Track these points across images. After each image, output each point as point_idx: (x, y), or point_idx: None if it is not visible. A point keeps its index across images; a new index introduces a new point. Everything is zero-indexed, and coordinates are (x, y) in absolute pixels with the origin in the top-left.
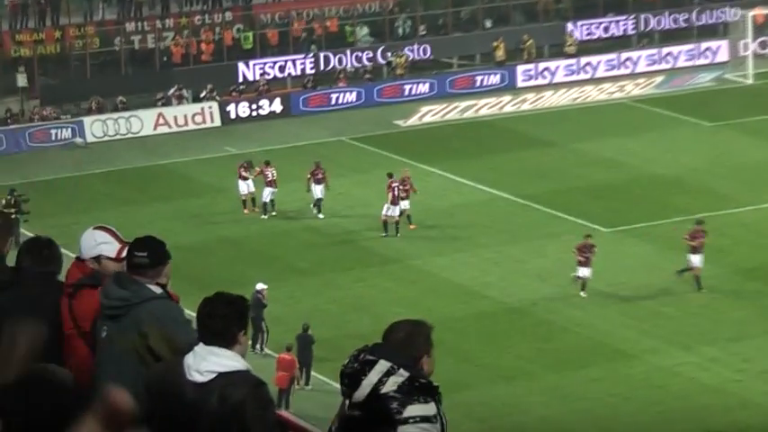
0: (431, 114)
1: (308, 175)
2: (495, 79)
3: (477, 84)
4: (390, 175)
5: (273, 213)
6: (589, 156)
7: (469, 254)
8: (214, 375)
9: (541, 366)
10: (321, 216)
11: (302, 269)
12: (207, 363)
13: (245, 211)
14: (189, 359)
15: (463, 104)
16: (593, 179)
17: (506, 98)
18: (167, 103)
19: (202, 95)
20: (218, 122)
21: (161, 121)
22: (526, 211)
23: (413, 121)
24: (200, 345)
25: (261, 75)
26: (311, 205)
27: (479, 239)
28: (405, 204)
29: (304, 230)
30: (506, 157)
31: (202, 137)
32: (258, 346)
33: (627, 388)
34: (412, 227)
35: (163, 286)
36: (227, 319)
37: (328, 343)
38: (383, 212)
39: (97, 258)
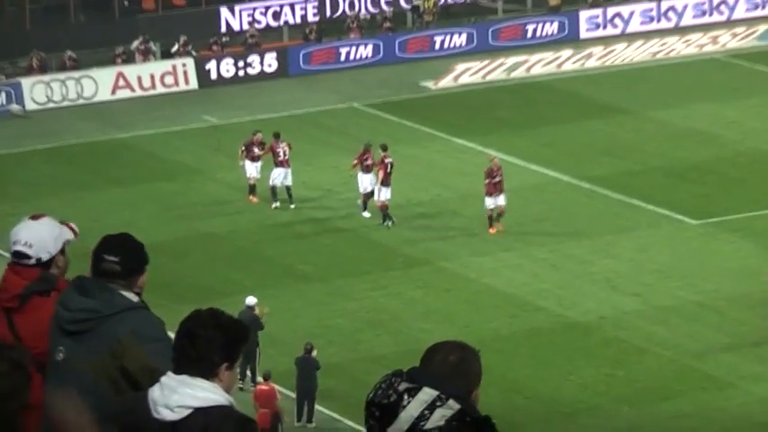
0: (468, 74)
1: (355, 161)
2: (551, 28)
3: (529, 34)
4: (384, 148)
5: (292, 205)
6: (673, 127)
7: (519, 253)
8: (189, 411)
9: (612, 399)
10: (367, 215)
11: (304, 274)
12: (179, 396)
13: (253, 198)
14: (155, 392)
15: (510, 61)
16: (677, 157)
17: (566, 53)
18: (129, 60)
19: (174, 50)
20: (194, 84)
21: (121, 82)
22: (592, 198)
23: (445, 82)
24: (169, 374)
25: (249, 23)
26: (358, 201)
27: (532, 235)
28: (500, 200)
29: (305, 223)
30: (566, 128)
31: (174, 103)
32: (249, 376)
33: (721, 426)
34: (493, 230)
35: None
36: (211, 343)
37: (337, 368)
38: (375, 196)
39: (62, 251)
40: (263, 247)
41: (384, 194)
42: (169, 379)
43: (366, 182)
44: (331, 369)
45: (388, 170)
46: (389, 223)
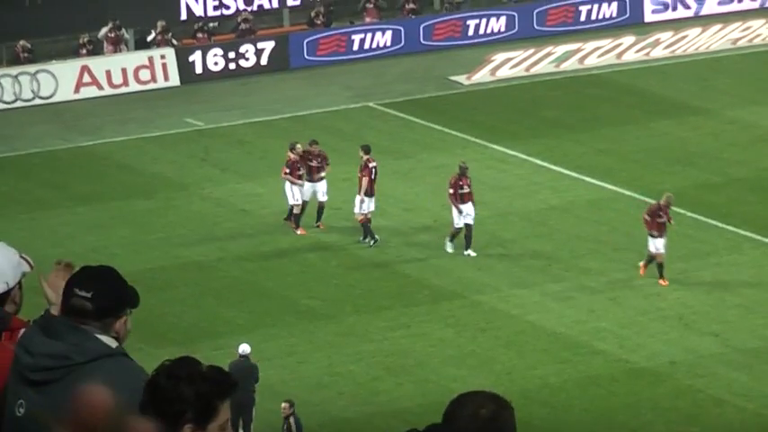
0: (508, 66)
1: (450, 190)
2: (609, 10)
3: (582, 17)
4: (367, 150)
5: (319, 225)
6: (758, 129)
7: (571, 284)
8: None
9: None
10: (450, 250)
11: (308, 310)
12: None
13: (298, 231)
14: None
15: (560, 50)
16: (765, 166)
17: (628, 40)
18: (97, 51)
19: (151, 38)
20: (175, 80)
21: (86, 78)
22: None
23: (480, 76)
24: None
25: (216, 7)
26: (448, 240)
27: (587, 262)
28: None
29: (311, 249)
30: (628, 132)
31: (151, 103)
32: None
33: None
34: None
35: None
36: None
37: (350, 425)
38: (357, 208)
39: (20, 284)
40: (260, 278)
41: (367, 206)
42: None
43: (459, 213)
44: (342, 426)
45: (373, 177)
46: (372, 242)
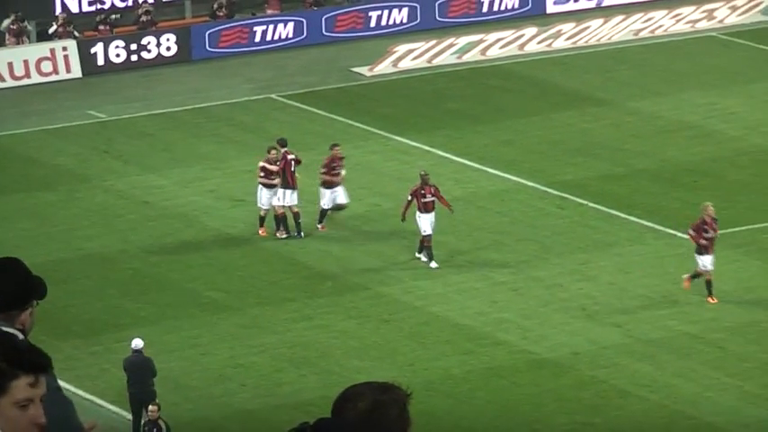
0: (411, 57)
1: (410, 198)
2: (512, 1)
3: (484, 8)
4: (284, 144)
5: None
6: (660, 120)
7: (474, 276)
8: None
9: None
10: (434, 265)
11: (211, 302)
12: None
13: (262, 232)
14: None
15: (462, 41)
16: (666, 157)
17: (529, 31)
18: None
19: (52, 30)
20: (77, 72)
21: None
22: (563, 207)
23: (383, 67)
24: None
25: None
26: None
27: (489, 253)
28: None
29: (214, 241)
30: (531, 123)
31: (54, 95)
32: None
33: None
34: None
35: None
36: None
37: (252, 417)
38: (279, 201)
39: None
40: (163, 270)
41: (290, 198)
42: None
43: (424, 221)
44: (245, 417)
45: (293, 169)
46: (287, 234)
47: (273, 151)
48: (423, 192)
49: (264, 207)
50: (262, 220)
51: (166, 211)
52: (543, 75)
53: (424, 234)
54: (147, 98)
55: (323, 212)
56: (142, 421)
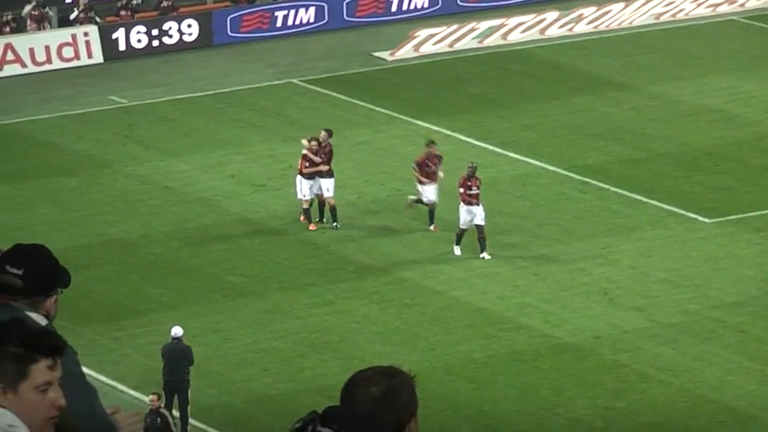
0: (432, 42)
1: (461, 190)
2: None
3: None
4: (330, 134)
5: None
6: (681, 104)
7: (496, 261)
8: None
9: None
10: (458, 252)
11: (233, 287)
12: None
13: (311, 225)
14: None
15: (483, 26)
16: (687, 141)
17: (551, 15)
18: (20, 29)
19: (74, 16)
20: (98, 58)
21: (9, 56)
22: (584, 192)
23: (404, 52)
24: None
25: None
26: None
27: (511, 238)
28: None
29: (235, 225)
30: (552, 107)
31: (75, 80)
32: (177, 417)
33: None
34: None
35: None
36: None
37: (275, 402)
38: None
39: None
40: (185, 256)
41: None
42: None
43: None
44: (267, 402)
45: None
46: (336, 224)
47: (314, 141)
48: (469, 184)
49: (306, 197)
50: (307, 212)
51: (188, 196)
52: (564, 59)
53: (462, 227)
54: (168, 83)
55: (431, 212)
56: (172, 411)
